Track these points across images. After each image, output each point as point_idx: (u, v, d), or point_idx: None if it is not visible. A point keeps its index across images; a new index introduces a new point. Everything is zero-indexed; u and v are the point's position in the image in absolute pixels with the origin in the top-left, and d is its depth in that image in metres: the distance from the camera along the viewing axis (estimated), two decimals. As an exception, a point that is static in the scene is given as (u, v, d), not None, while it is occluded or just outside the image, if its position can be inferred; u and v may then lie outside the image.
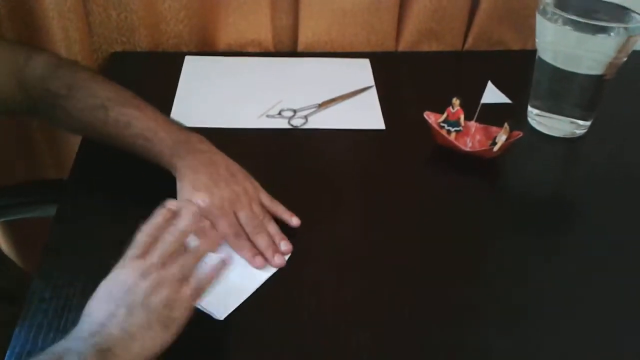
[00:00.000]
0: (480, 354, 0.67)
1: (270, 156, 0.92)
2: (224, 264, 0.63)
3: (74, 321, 0.59)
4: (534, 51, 0.95)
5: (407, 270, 0.75)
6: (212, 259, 0.64)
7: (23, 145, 1.15)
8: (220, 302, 0.68)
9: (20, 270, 1.03)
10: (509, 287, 0.74)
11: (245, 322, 0.67)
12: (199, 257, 0.63)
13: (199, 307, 0.66)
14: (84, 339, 0.55)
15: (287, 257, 0.75)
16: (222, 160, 0.79)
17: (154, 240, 0.62)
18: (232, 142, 0.93)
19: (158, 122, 0.79)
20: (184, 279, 0.60)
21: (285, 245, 0.75)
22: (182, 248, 0.63)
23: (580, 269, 0.76)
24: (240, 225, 0.75)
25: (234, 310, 0.68)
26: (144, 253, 0.61)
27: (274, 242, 0.75)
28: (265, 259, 0.74)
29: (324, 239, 0.78)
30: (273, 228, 0.77)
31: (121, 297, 0.57)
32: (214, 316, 0.67)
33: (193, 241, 0.66)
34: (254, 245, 0.74)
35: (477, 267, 0.77)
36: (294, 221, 0.78)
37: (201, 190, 0.75)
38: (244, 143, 0.93)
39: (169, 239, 0.62)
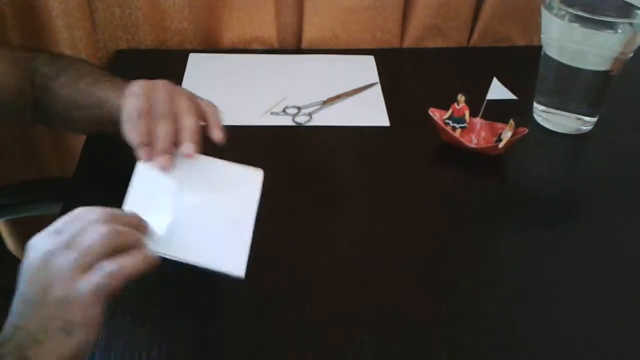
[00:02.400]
0: (482, 352, 0.67)
1: (275, 153, 0.92)
2: (146, 261, 0.53)
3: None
4: (540, 47, 0.95)
5: (413, 267, 0.75)
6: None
7: (28, 145, 1.16)
8: (231, 261, 0.61)
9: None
10: (514, 284, 0.74)
11: (245, 321, 0.67)
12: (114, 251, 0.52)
13: (216, 271, 0.60)
14: (8, 344, 0.49)
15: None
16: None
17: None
18: (236, 140, 0.93)
19: (113, 82, 0.76)
20: (86, 268, 0.50)
21: (187, 148, 0.65)
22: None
23: (586, 265, 0.76)
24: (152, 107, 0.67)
25: (233, 311, 0.68)
26: (60, 231, 0.53)
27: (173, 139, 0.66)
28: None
29: (327, 236, 0.78)
30: (189, 120, 0.66)
31: (24, 288, 0.50)
32: (234, 275, 0.60)
33: None
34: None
35: (482, 263, 0.76)
36: (216, 135, 0.69)
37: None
38: (249, 140, 0.93)
39: (93, 227, 0.52)
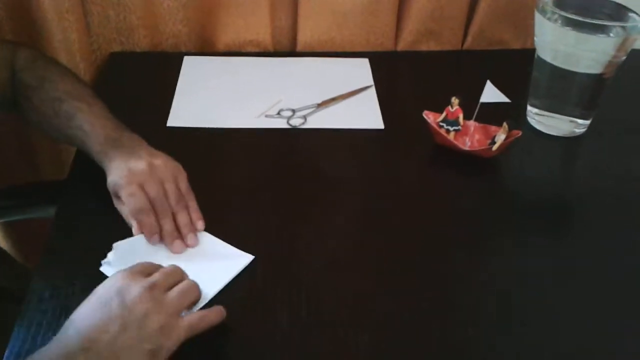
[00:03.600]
0: (479, 353, 0.67)
1: (269, 156, 0.92)
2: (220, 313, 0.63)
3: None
4: (533, 50, 0.95)
5: (406, 270, 0.75)
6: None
7: (22, 147, 1.15)
8: None
9: (21, 267, 1.03)
10: (508, 287, 0.74)
11: (244, 322, 0.67)
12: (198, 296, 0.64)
13: None
14: (72, 355, 0.54)
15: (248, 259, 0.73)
16: (145, 150, 0.78)
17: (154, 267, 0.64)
18: (230, 142, 0.93)
19: (99, 118, 0.80)
20: (181, 310, 0.61)
21: (190, 239, 0.74)
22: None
23: (579, 268, 0.76)
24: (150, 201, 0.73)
25: (230, 313, 0.67)
26: (148, 272, 0.62)
27: (179, 230, 0.74)
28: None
29: (322, 239, 0.78)
30: (184, 218, 0.75)
31: (118, 312, 0.57)
32: None
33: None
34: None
35: (476, 266, 0.76)
36: (199, 225, 0.76)
37: (113, 172, 0.75)
38: (243, 143, 0.93)
39: (172, 270, 0.64)
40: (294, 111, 0.99)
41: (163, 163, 0.76)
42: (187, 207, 0.75)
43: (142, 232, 0.73)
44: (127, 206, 0.73)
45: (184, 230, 0.74)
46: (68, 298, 0.68)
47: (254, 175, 0.87)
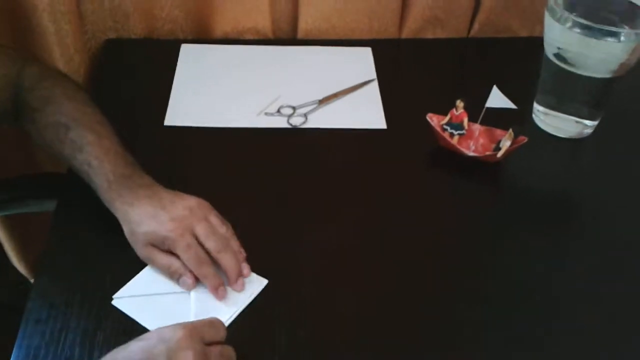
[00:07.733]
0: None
1: (269, 157, 0.90)
2: None
3: (71, 343, 0.62)
4: (541, 38, 0.91)
5: (408, 274, 0.74)
6: None
7: (20, 139, 1.13)
8: None
9: (19, 276, 1.03)
10: (513, 292, 0.73)
11: (242, 331, 0.67)
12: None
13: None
14: None
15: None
16: (164, 191, 0.73)
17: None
18: (229, 142, 0.92)
19: (109, 153, 0.74)
20: None
21: (245, 269, 0.71)
22: None
23: (587, 270, 0.76)
24: (200, 244, 0.69)
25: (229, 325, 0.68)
26: (208, 337, 0.59)
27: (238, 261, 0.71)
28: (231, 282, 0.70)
29: (323, 242, 0.77)
30: (236, 244, 0.72)
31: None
32: None
33: None
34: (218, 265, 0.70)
35: (480, 270, 0.76)
36: (246, 271, 0.72)
37: (146, 222, 0.69)
38: (242, 143, 0.91)
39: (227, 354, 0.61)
40: (294, 109, 0.96)
41: (196, 203, 0.72)
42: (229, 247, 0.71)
43: (191, 286, 0.70)
44: (185, 260, 0.69)
45: (231, 273, 0.70)
46: (65, 320, 0.67)
47: (253, 178, 0.85)
